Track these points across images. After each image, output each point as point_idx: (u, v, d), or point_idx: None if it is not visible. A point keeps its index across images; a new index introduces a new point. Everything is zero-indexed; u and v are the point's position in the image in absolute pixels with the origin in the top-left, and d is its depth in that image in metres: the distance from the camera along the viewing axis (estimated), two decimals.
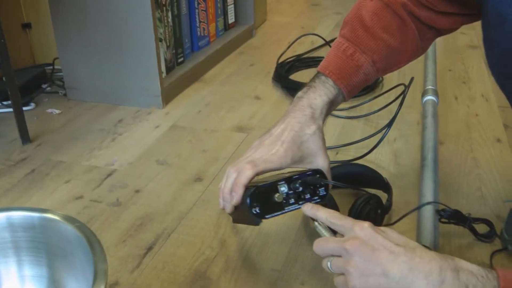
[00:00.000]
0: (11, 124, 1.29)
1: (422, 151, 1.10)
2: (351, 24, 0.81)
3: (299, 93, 0.79)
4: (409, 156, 1.14)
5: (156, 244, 0.88)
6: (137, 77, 1.44)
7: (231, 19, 2.04)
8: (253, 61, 1.83)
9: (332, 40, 1.72)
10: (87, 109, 1.46)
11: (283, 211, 0.71)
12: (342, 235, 0.61)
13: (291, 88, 1.48)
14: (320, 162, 0.76)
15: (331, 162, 0.78)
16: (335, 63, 0.80)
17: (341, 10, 2.45)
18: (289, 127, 0.75)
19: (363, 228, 0.58)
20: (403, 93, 1.07)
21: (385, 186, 0.95)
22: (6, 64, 1.16)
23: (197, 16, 1.74)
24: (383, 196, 0.91)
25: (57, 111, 1.44)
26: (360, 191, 0.89)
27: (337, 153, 1.16)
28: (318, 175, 0.74)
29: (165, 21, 1.52)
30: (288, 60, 1.73)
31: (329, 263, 0.60)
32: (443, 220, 0.83)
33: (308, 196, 0.73)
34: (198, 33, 1.76)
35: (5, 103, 1.44)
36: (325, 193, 0.74)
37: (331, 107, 0.79)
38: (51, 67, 1.65)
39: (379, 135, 1.10)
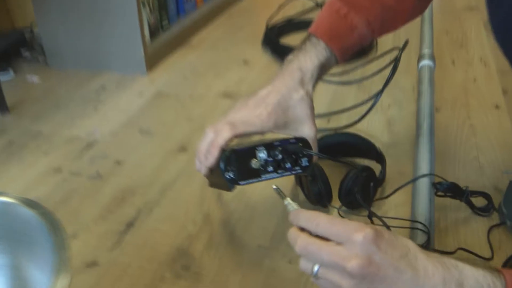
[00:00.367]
0: None
1: (418, 118, 1.06)
2: None
3: (289, 56, 0.74)
4: (403, 123, 1.10)
5: (138, 219, 0.84)
6: (120, 42, 1.37)
7: None
8: (242, 24, 1.77)
9: (323, 3, 1.66)
10: (68, 76, 1.40)
11: (260, 179, 0.66)
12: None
13: (281, 52, 1.43)
14: (306, 130, 0.71)
15: (319, 130, 0.73)
16: (327, 24, 0.74)
17: None
18: (276, 90, 0.70)
19: (364, 243, 0.48)
20: (397, 57, 1.01)
21: (378, 157, 0.91)
22: None
23: None
24: (376, 167, 0.86)
25: (37, 79, 1.38)
26: (348, 165, 0.84)
27: (328, 121, 1.11)
28: (301, 144, 0.69)
29: None
30: (279, 23, 1.66)
31: (315, 268, 0.50)
32: (439, 193, 0.79)
33: (288, 165, 0.68)
34: None
35: None
36: (307, 164, 0.69)
37: (322, 71, 0.74)
38: (31, 32, 1.58)
39: (372, 102, 1.05)
